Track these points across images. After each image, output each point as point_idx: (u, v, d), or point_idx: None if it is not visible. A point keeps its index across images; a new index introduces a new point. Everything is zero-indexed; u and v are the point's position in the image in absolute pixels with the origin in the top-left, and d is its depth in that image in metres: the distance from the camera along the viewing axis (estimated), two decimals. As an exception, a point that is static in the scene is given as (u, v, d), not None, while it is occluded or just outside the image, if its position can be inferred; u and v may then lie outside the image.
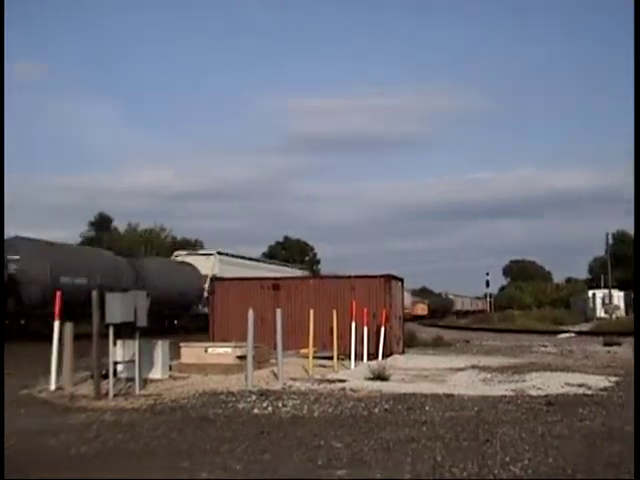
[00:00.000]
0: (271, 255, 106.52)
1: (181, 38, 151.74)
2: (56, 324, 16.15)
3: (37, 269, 35.83)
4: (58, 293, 16.58)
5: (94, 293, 15.56)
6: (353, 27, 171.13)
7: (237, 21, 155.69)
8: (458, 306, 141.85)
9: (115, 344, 16.12)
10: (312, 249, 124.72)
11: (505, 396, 14.94)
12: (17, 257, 35.23)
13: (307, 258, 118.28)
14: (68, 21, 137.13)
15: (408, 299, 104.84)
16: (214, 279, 35.17)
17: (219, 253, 54.63)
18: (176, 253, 57.28)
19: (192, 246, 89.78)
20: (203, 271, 49.94)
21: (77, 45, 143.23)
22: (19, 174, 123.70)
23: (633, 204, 21.97)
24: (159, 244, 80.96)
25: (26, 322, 34.71)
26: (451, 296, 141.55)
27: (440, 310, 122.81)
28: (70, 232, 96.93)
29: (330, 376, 18.83)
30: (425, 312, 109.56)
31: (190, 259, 53.95)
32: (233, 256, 55.71)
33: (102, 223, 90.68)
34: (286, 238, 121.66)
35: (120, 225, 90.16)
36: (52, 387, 15.58)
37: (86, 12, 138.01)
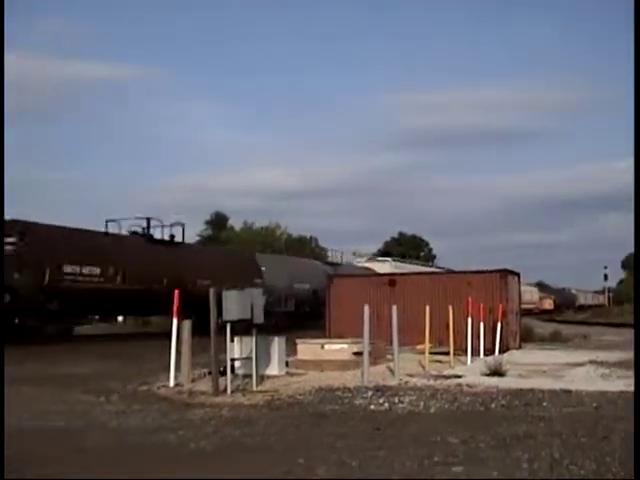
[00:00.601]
0: (386, 251, 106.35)
1: (288, 38, 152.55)
2: (174, 321, 16.46)
3: (279, 278, 45.32)
4: (176, 292, 16.87)
5: (211, 291, 15.81)
6: (454, 21, 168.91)
7: (342, 20, 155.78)
8: (581, 300, 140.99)
9: (232, 341, 16.35)
10: (427, 244, 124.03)
11: (624, 392, 14.58)
12: (264, 268, 43.83)
13: (422, 254, 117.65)
14: (175, 22, 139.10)
15: (535, 294, 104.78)
16: (331, 276, 35.28)
17: (394, 259, 66.40)
18: (357, 260, 64.95)
19: (308, 243, 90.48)
20: None
21: (186, 48, 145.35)
22: (132, 175, 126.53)
23: (633, 203, 21.62)
24: (274, 242, 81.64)
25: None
26: (573, 291, 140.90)
27: (564, 304, 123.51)
28: (188, 231, 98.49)
29: (446, 372, 18.73)
30: (552, 307, 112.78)
31: (370, 264, 63.61)
32: (405, 261, 63.64)
33: (218, 222, 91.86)
34: (401, 234, 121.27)
35: (236, 223, 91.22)
36: (171, 383, 15.90)
37: (191, 14, 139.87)
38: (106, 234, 36.36)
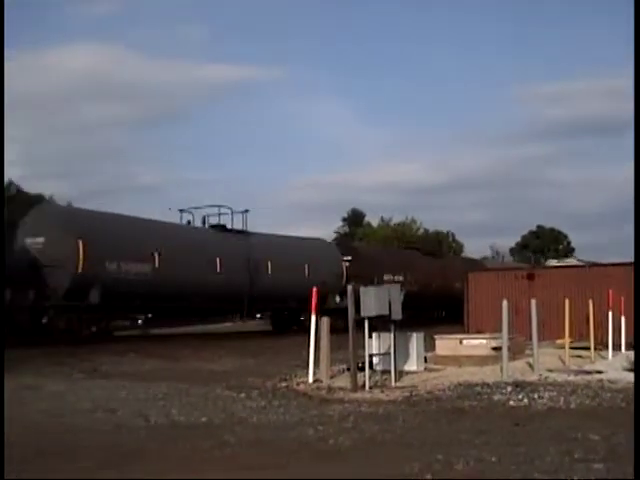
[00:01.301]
0: (524, 245, 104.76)
1: (422, 33, 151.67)
2: (312, 318, 16.67)
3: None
4: (314, 289, 17.08)
5: (349, 287, 15.96)
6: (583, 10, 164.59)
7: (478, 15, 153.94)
8: None
9: (370, 337, 16.45)
10: (566, 237, 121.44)
11: None
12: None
13: (560, 247, 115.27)
14: (307, 18, 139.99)
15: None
16: (468, 271, 35.04)
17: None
18: (549, 261, 66.25)
19: (445, 238, 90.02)
20: None
21: (322, 46, 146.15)
22: (271, 175, 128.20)
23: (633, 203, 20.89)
24: (410, 237, 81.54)
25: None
26: None
27: None
28: (325, 229, 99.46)
29: (587, 367, 18.38)
30: None
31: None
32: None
33: (355, 218, 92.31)
34: (539, 227, 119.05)
35: (372, 220, 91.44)
36: (310, 379, 16.10)
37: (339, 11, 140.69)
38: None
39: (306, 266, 38.17)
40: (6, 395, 13.26)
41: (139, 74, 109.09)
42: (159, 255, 31.04)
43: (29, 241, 27.67)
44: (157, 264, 30.82)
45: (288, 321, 39.60)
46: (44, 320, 27.52)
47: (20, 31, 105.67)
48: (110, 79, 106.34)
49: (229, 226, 37.32)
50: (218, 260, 34.06)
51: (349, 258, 42.59)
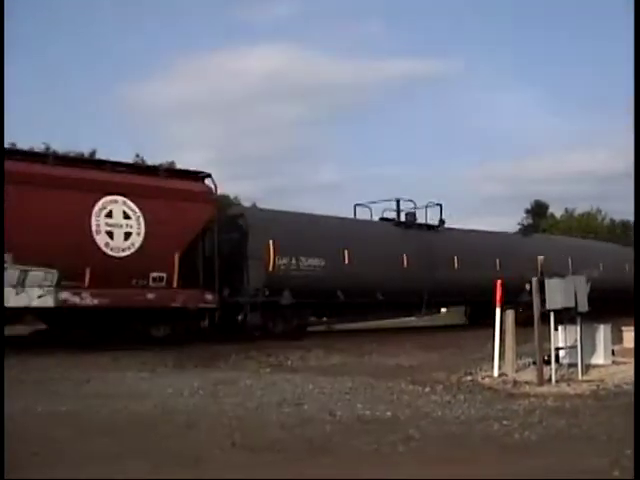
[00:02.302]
0: None
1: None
2: (497, 311, 16.58)
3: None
4: (498, 282, 17.00)
5: (534, 280, 15.77)
6: None
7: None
8: None
9: (556, 330, 16.19)
10: None
11: None
12: None
13: None
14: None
15: None
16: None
17: None
18: None
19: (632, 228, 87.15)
20: None
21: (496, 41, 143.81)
22: (454, 167, 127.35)
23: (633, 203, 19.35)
24: (595, 227, 79.53)
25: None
26: None
27: None
28: (507, 220, 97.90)
29: None
30: None
31: None
32: None
33: (538, 210, 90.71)
34: None
35: (556, 211, 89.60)
36: (495, 373, 16.00)
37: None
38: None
39: (497, 260, 37.73)
40: (205, 389, 13.90)
41: (320, 72, 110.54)
42: (348, 252, 31.50)
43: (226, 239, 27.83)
44: (347, 260, 31.29)
45: (478, 315, 39.29)
46: (239, 317, 28.26)
47: (209, 34, 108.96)
48: (292, 79, 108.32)
49: (417, 220, 37.05)
50: (404, 255, 34.21)
51: None
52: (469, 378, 16.03)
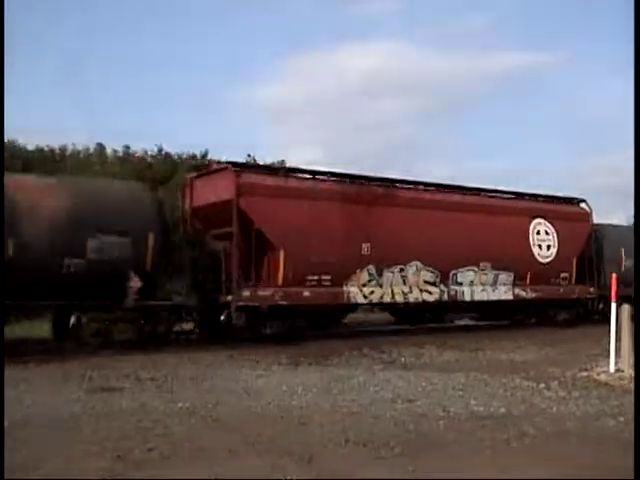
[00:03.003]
0: None
1: None
2: (613, 306, 16.33)
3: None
4: (614, 275, 16.79)
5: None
6: None
7: None
8: None
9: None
10: None
11: None
12: None
13: None
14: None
15: None
16: None
17: None
18: None
19: None
20: None
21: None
22: (560, 160, 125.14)
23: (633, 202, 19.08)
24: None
25: None
26: None
27: None
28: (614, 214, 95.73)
29: None
30: None
31: None
32: None
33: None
34: None
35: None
36: (611, 369, 15.74)
37: None
38: None
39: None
40: (319, 386, 14.07)
41: (430, 68, 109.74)
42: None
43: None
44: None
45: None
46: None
47: (313, 32, 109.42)
48: (402, 74, 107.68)
49: None
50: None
51: None
52: (584, 374, 15.82)
